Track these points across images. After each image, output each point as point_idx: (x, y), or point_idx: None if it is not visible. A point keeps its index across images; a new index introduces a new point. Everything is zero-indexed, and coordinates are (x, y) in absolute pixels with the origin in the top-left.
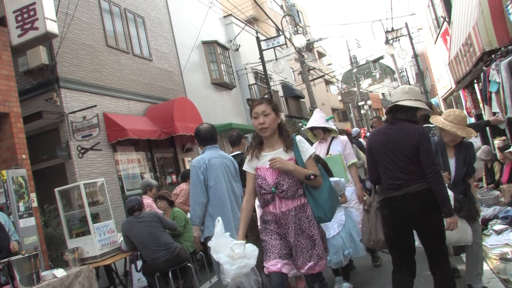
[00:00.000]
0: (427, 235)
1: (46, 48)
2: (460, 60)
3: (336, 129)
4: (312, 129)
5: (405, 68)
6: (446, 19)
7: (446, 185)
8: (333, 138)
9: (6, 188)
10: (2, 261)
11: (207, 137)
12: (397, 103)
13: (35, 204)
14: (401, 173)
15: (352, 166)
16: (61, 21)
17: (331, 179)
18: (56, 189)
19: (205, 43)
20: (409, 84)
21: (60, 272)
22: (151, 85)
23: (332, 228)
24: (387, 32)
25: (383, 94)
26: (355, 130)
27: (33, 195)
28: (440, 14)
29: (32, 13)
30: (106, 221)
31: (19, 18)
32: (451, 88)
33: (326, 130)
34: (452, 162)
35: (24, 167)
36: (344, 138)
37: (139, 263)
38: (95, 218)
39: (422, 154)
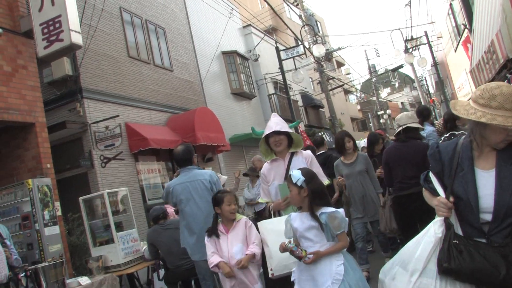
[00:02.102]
0: (427, 224)
1: (70, 59)
2: (483, 68)
3: (301, 139)
4: (267, 137)
5: (425, 77)
6: (467, 27)
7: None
8: (293, 154)
9: (31, 196)
10: (29, 268)
11: (179, 159)
12: (408, 125)
13: (59, 213)
14: (409, 178)
15: None
16: (85, 33)
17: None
18: (80, 198)
19: (225, 53)
20: (430, 93)
21: (84, 280)
22: (172, 95)
23: (324, 285)
24: (406, 40)
25: (402, 103)
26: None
27: (57, 204)
28: (460, 21)
29: (57, 25)
30: (130, 230)
31: (45, 30)
32: None
33: (289, 140)
34: (489, 180)
35: (48, 176)
36: (308, 153)
37: (162, 272)
38: (119, 226)
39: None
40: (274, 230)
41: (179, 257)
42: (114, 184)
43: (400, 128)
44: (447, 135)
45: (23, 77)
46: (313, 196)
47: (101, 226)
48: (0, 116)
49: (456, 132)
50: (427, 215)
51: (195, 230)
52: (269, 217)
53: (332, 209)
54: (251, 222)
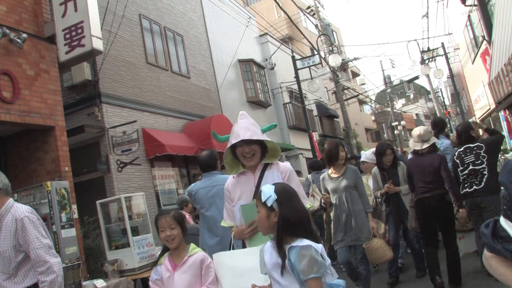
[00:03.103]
0: (443, 221)
1: (89, 65)
2: (502, 80)
3: (278, 148)
4: (234, 146)
5: (440, 89)
6: (486, 39)
7: None
8: (266, 166)
9: (49, 198)
10: None
11: (204, 164)
12: (431, 141)
13: (76, 216)
14: (428, 184)
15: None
16: (105, 39)
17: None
18: (97, 202)
19: (241, 61)
20: (445, 105)
21: (100, 283)
22: (189, 102)
23: None
24: (423, 52)
25: (417, 114)
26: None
27: (74, 207)
28: (479, 33)
29: (79, 31)
30: (145, 235)
31: (67, 36)
32: (490, 108)
33: (263, 148)
34: None
35: (66, 179)
36: (286, 166)
37: None
38: (134, 231)
39: (442, 171)
40: (231, 267)
41: None
42: (130, 189)
43: (427, 145)
44: (462, 149)
45: (45, 81)
46: (283, 222)
47: (117, 230)
48: (22, 119)
49: (472, 145)
50: (442, 215)
51: (217, 233)
52: None
53: (307, 242)
54: (210, 259)
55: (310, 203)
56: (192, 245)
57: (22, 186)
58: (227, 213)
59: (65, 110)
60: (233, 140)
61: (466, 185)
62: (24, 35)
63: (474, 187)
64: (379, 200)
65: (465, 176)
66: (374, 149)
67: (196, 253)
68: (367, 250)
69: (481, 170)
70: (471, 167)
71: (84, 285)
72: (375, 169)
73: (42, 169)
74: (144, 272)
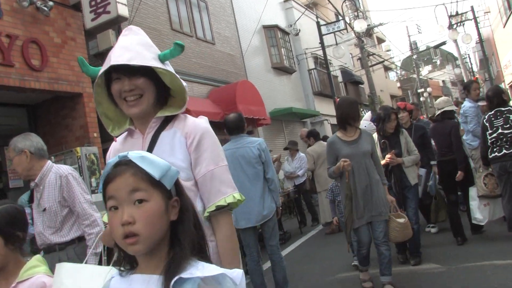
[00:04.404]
0: (460, 181)
1: (115, 32)
2: None
3: (185, 90)
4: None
5: (468, 54)
6: None
7: None
8: (166, 123)
9: (80, 164)
10: None
11: (232, 126)
12: (444, 109)
13: None
14: (445, 148)
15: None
16: (129, 5)
17: None
18: None
19: (265, 27)
20: (473, 71)
21: None
22: (214, 68)
23: None
24: (451, 16)
25: (443, 81)
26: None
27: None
28: None
29: None
30: None
31: (93, 3)
32: None
33: (160, 90)
34: None
35: (95, 145)
36: (197, 125)
37: None
38: None
39: (452, 136)
40: None
41: None
42: None
43: (439, 111)
44: (492, 112)
45: (71, 48)
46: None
47: None
48: (51, 86)
49: (503, 109)
50: (456, 171)
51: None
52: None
53: (213, 270)
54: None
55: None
56: (30, 265)
57: (52, 152)
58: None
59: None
60: (102, 68)
61: (495, 149)
62: (51, 3)
63: (504, 151)
64: None
65: (493, 140)
66: (369, 114)
67: (31, 276)
68: (400, 227)
69: (510, 134)
70: (500, 130)
71: None
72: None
73: (71, 135)
74: None
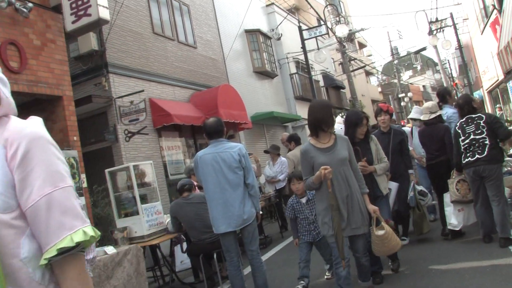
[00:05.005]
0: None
1: (96, 35)
2: None
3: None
4: None
5: (448, 60)
6: (497, 8)
7: None
8: None
9: None
10: None
11: (211, 131)
12: (437, 113)
13: (85, 185)
14: (435, 151)
15: None
16: (111, 8)
17: None
18: (106, 170)
19: (247, 31)
20: (453, 77)
21: (110, 250)
22: (196, 72)
23: None
24: (431, 22)
25: (424, 86)
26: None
27: (83, 176)
28: (489, 2)
29: (85, 0)
30: (154, 203)
31: (73, 5)
32: (498, 79)
33: None
34: None
35: (75, 148)
36: (22, 131)
37: (185, 245)
38: (143, 199)
39: (446, 139)
40: None
41: (201, 230)
42: (138, 159)
43: (434, 115)
44: (464, 119)
45: (51, 51)
46: None
47: (126, 198)
48: (30, 89)
49: (473, 116)
50: (448, 177)
51: (220, 201)
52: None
53: None
54: None
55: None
56: None
57: None
58: None
59: (72, 80)
60: None
61: (468, 154)
62: (30, 4)
63: (477, 156)
64: None
65: (466, 146)
66: (340, 118)
67: None
68: (379, 240)
69: (482, 140)
70: (472, 136)
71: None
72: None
73: None
74: (153, 240)
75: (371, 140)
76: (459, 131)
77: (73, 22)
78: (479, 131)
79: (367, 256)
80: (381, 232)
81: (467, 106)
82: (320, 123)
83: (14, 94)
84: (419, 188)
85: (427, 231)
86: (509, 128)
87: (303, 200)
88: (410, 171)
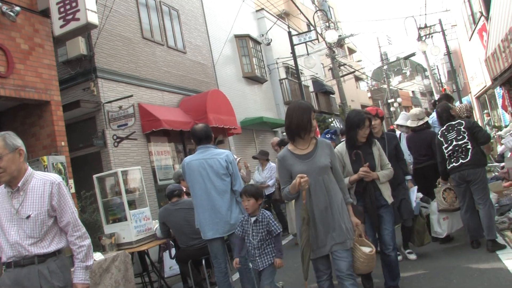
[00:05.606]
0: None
1: (84, 39)
2: (499, 56)
3: None
4: None
5: (437, 66)
6: (484, 14)
7: None
8: None
9: None
10: None
11: (200, 136)
12: (425, 119)
13: (72, 190)
14: (423, 156)
15: None
16: (100, 13)
17: None
18: (94, 176)
19: (237, 36)
20: (442, 82)
21: (98, 256)
22: (185, 77)
23: None
24: (420, 28)
25: (413, 91)
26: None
27: (71, 181)
28: (477, 9)
29: (74, 4)
30: (142, 208)
31: (62, 9)
32: (486, 85)
33: None
34: None
35: (63, 154)
36: None
37: (173, 251)
38: (131, 205)
39: (433, 145)
40: None
41: (190, 236)
42: (126, 164)
43: (422, 122)
44: (444, 127)
45: (39, 55)
46: None
47: (114, 204)
48: (17, 93)
49: (453, 122)
50: (435, 180)
51: (207, 208)
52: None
53: None
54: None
55: None
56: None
57: None
58: None
59: (60, 85)
60: None
61: (452, 160)
62: (17, 8)
63: (461, 161)
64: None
65: (450, 152)
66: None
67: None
68: (366, 258)
69: (464, 145)
70: (454, 143)
71: None
72: (340, 148)
73: (38, 144)
74: (141, 246)
75: (374, 145)
76: (441, 139)
77: (62, 27)
78: (461, 137)
79: (353, 278)
80: (367, 250)
81: (445, 114)
82: (297, 128)
83: (1, 98)
84: (421, 195)
85: (427, 242)
86: (487, 132)
87: (252, 219)
88: (408, 177)
